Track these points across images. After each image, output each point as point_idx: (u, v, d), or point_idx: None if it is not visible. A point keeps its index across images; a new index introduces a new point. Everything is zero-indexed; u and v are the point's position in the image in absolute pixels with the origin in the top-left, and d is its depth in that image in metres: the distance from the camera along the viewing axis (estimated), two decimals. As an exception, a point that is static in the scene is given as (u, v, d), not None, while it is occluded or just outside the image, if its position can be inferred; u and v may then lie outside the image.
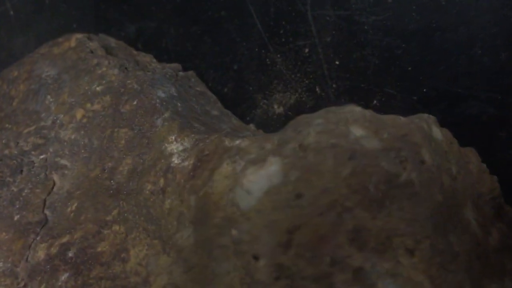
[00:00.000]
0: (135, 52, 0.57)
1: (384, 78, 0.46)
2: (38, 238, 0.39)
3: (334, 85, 0.49)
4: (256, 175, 0.28)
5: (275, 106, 0.53)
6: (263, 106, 0.54)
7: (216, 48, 0.56)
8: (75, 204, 0.39)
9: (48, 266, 0.36)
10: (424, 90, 0.45)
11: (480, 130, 0.43)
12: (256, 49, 0.53)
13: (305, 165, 0.26)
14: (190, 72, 0.54)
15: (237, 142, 0.31)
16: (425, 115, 0.32)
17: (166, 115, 0.39)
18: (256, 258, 0.25)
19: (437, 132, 0.31)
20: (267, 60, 0.52)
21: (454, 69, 0.43)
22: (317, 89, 0.50)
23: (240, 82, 0.55)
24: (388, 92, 0.47)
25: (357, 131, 0.27)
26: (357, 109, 0.29)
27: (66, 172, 0.44)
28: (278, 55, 0.52)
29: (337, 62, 0.49)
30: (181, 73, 0.52)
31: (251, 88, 0.54)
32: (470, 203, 0.31)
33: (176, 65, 0.54)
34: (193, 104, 0.45)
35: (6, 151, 0.48)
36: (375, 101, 0.48)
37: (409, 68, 0.45)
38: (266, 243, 0.25)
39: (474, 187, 0.34)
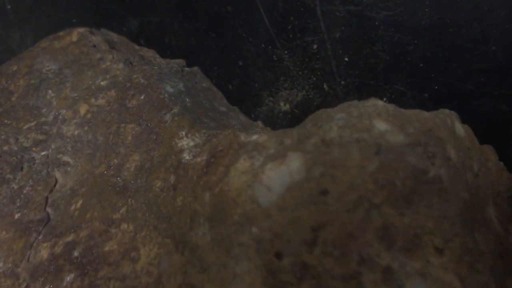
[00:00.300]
0: (137, 47, 0.56)
1: (394, 75, 0.45)
2: (40, 237, 0.38)
3: (342, 82, 0.48)
4: (276, 171, 0.26)
5: (281, 104, 0.52)
6: (269, 103, 0.53)
7: (221, 43, 0.55)
8: (80, 202, 0.38)
9: (52, 266, 0.35)
10: (436, 87, 0.44)
11: (492, 127, 0.42)
12: (263, 45, 0.52)
13: (329, 160, 0.25)
14: (195, 68, 0.52)
15: (254, 137, 0.30)
16: (447, 111, 0.31)
17: (175, 110, 0.38)
18: (279, 256, 0.24)
19: (460, 128, 0.30)
20: (274, 56, 0.51)
21: (467, 66, 0.43)
22: (325, 86, 0.49)
23: (246, 78, 0.54)
24: (398, 89, 0.46)
25: (381, 126, 0.26)
26: (379, 103, 0.28)
27: (69, 169, 0.43)
28: (285, 51, 0.51)
29: (346, 59, 0.48)
30: (186, 69, 0.51)
31: (256, 85, 0.53)
32: (492, 201, 0.31)
33: (180, 61, 0.53)
34: (201, 99, 0.44)
35: (6, 147, 0.46)
36: (384, 99, 0.47)
37: (421, 65, 0.44)
38: (289, 241, 0.24)
39: (494, 186, 0.33)
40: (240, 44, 0.53)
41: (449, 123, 0.29)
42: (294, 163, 0.26)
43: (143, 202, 0.34)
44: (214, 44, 0.55)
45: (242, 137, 0.30)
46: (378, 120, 0.27)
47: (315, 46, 0.49)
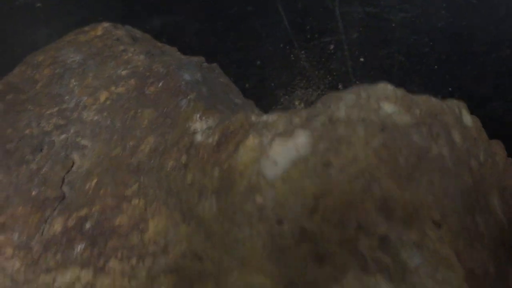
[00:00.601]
0: (160, 44, 0.57)
1: (409, 77, 0.46)
2: (55, 213, 0.39)
3: (357, 82, 0.49)
4: (283, 147, 0.27)
5: (296, 103, 0.53)
6: (284, 102, 0.54)
7: (240, 43, 0.56)
8: (95, 181, 0.39)
9: (64, 238, 0.36)
10: (450, 89, 0.45)
11: (506, 130, 0.43)
12: (281, 45, 0.53)
13: (335, 137, 0.26)
14: (214, 64, 0.54)
15: (264, 117, 0.30)
16: (456, 100, 0.31)
17: (192, 96, 0.39)
18: (280, 222, 0.25)
19: (467, 118, 0.31)
20: (291, 56, 0.52)
21: (481, 69, 0.43)
22: (340, 86, 0.50)
23: (262, 78, 0.55)
24: (412, 90, 0.46)
25: (388, 108, 0.27)
26: (389, 87, 0.28)
27: (86, 152, 0.44)
28: (303, 51, 0.52)
29: (362, 59, 0.48)
30: (205, 64, 0.52)
31: (273, 84, 0.54)
32: (497, 192, 0.31)
33: (200, 58, 0.54)
34: (217, 91, 0.45)
35: (27, 131, 0.48)
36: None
37: (435, 67, 0.45)
38: (290, 208, 0.25)
39: (501, 179, 0.33)
40: (259, 44, 0.55)
41: (457, 112, 0.30)
42: (301, 139, 0.27)
43: (155, 180, 0.35)
44: (233, 43, 0.57)
45: (253, 117, 0.31)
46: (385, 102, 0.27)
47: (332, 47, 0.50)
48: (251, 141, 0.29)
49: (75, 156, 0.44)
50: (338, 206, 0.24)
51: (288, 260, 0.24)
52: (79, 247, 0.34)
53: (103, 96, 0.46)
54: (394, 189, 0.24)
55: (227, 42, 0.57)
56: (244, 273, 0.24)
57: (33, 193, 0.42)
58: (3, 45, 0.71)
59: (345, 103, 0.27)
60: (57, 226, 0.37)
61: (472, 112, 0.44)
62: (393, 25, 0.46)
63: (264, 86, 0.55)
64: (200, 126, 0.36)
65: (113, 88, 0.46)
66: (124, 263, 0.31)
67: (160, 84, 0.42)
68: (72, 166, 0.43)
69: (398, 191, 0.24)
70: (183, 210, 0.31)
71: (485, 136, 0.33)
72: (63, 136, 0.46)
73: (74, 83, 0.50)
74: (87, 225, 0.35)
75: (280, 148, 0.27)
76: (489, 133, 0.36)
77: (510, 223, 0.31)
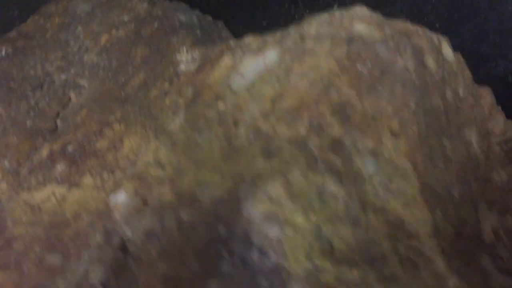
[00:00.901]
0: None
1: (410, 35, 0.45)
2: (45, 142, 0.40)
3: (359, 42, 0.48)
4: (252, 61, 0.27)
5: (300, 64, 0.53)
6: (288, 62, 0.54)
7: (246, 3, 0.56)
8: (85, 112, 0.40)
9: (49, 161, 0.37)
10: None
11: (506, 91, 0.41)
12: (287, 5, 0.53)
13: (302, 50, 0.26)
14: (220, 22, 0.54)
15: (241, 40, 0.31)
16: (438, 34, 0.31)
17: (183, 33, 0.40)
18: (236, 124, 0.25)
19: (448, 52, 0.30)
20: (296, 16, 0.52)
21: (483, 26, 0.42)
22: (343, 46, 0.50)
23: (268, 37, 0.55)
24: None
25: (359, 27, 0.27)
26: (365, 10, 0.28)
27: (83, 91, 0.45)
28: (307, 11, 0.51)
29: (364, 18, 0.48)
30: (209, 19, 0.52)
31: (277, 44, 0.54)
32: (476, 129, 0.30)
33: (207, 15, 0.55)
34: (214, 37, 0.45)
35: (32, 72, 0.49)
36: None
37: (437, 25, 0.44)
38: (248, 111, 0.25)
39: (484, 122, 0.32)
40: (265, 4, 0.54)
41: (436, 42, 0.29)
42: (271, 54, 0.27)
43: (138, 107, 0.35)
44: (242, 3, 0.57)
45: (232, 43, 0.31)
46: (358, 22, 0.27)
47: (335, 6, 0.49)
48: (225, 60, 0.29)
49: (72, 94, 0.45)
50: (292, 107, 0.24)
51: (240, 158, 0.24)
52: (59, 168, 0.35)
53: (103, 39, 0.47)
54: (353, 97, 0.24)
55: (237, 2, 0.57)
56: (198, 173, 0.25)
57: (28, 124, 0.43)
58: (26, 2, 0.73)
59: (318, 22, 0.27)
60: (44, 152, 0.38)
61: (472, 71, 0.43)
62: (396, -18, 0.45)
63: (269, 45, 0.55)
64: (186, 58, 0.36)
65: (114, 31, 0.47)
66: (96, 178, 0.32)
67: (156, 24, 0.43)
68: (68, 103, 0.44)
69: (357, 99, 0.24)
70: (157, 129, 0.31)
71: (469, 75, 0.32)
72: (63, 76, 0.47)
73: (80, 30, 0.51)
74: (70, 149, 0.36)
75: (249, 63, 0.27)
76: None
77: (487, 160, 0.30)
